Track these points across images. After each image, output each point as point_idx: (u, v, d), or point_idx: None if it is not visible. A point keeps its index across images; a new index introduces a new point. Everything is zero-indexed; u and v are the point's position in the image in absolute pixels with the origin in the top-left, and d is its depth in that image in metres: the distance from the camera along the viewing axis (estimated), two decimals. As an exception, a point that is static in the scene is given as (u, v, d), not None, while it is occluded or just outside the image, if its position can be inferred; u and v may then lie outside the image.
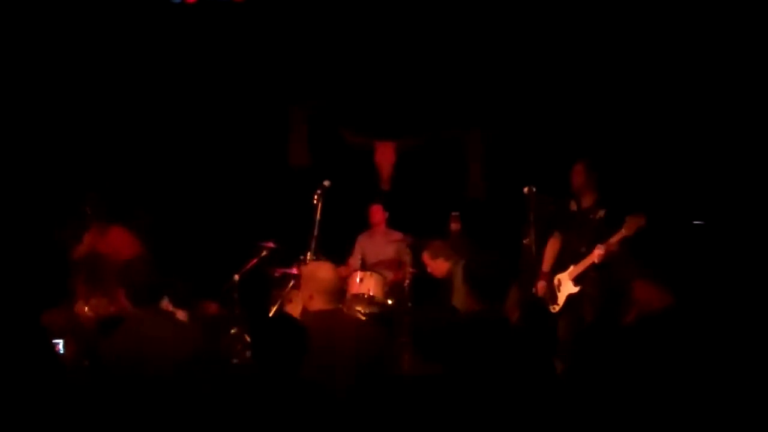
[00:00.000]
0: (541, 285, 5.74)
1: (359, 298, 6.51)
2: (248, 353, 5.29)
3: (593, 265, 5.38)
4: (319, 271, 3.90)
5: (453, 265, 6.13)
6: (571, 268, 5.54)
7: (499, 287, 3.52)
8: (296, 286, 6.36)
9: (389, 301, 6.61)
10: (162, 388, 3.40)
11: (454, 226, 7.21)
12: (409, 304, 6.55)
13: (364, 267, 6.96)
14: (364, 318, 6.25)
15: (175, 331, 3.73)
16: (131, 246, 5.45)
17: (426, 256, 6.34)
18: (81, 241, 5.44)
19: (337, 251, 6.99)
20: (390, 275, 6.90)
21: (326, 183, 6.17)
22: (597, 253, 5.31)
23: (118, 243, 5.42)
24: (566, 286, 5.56)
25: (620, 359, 3.02)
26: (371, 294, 6.51)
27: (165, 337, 3.60)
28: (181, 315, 5.67)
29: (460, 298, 5.65)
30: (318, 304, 3.80)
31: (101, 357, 3.68)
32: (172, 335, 3.65)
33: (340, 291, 3.97)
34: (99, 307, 5.08)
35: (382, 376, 3.66)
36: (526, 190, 5.76)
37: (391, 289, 6.79)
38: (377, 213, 7.18)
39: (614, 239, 5.26)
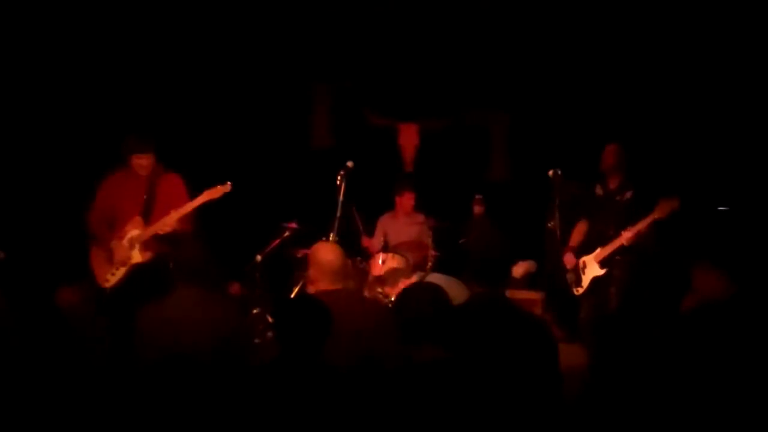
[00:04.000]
0: (568, 257, 5.68)
1: (381, 279, 6.49)
2: (270, 333, 5.30)
3: (621, 248, 5.33)
4: (319, 253, 3.92)
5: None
6: (598, 250, 5.49)
7: (499, 270, 3.50)
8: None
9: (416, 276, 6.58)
10: (195, 365, 3.41)
11: (478, 208, 7.18)
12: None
13: (386, 248, 6.94)
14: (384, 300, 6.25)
15: (218, 310, 3.74)
16: (185, 189, 5.40)
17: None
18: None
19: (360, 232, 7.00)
20: (412, 257, 6.87)
21: (350, 164, 6.14)
22: (626, 236, 5.27)
23: (177, 182, 5.36)
24: (592, 269, 5.52)
25: (675, 347, 2.99)
26: (393, 276, 6.48)
27: (206, 315, 3.63)
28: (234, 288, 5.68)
29: None
30: (322, 284, 3.82)
31: (136, 327, 3.68)
32: (214, 314, 3.67)
33: (343, 271, 3.93)
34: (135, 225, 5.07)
35: (386, 356, 3.60)
36: (551, 173, 5.71)
37: (413, 270, 6.76)
38: (409, 200, 7.13)
39: (645, 222, 5.20)
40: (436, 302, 2.98)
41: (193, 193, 5.31)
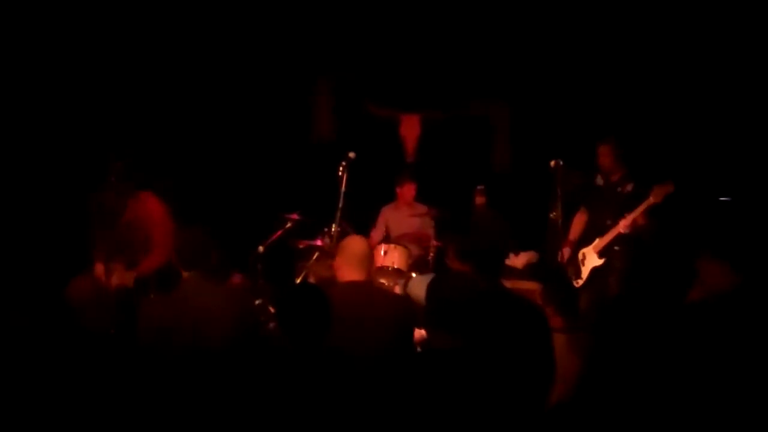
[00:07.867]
0: (565, 251, 5.71)
1: (384, 270, 6.51)
2: (272, 324, 5.32)
3: (619, 237, 5.35)
4: (351, 242, 4.08)
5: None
6: (597, 240, 5.51)
7: (497, 263, 3.53)
8: (320, 258, 6.38)
9: (413, 274, 6.59)
10: (206, 355, 3.43)
11: (479, 199, 7.16)
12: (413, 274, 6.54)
13: (389, 240, 6.95)
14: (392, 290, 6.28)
15: (225, 297, 3.79)
16: (162, 210, 5.46)
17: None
18: (125, 206, 5.34)
19: (362, 223, 6.99)
20: (414, 248, 6.89)
21: (351, 155, 6.14)
22: (623, 224, 5.29)
23: (151, 207, 5.43)
24: (591, 259, 5.54)
25: (677, 338, 2.99)
26: (396, 266, 6.50)
27: (213, 303, 3.67)
28: (236, 279, 5.70)
29: None
30: (346, 274, 3.93)
31: (140, 318, 3.72)
32: (222, 302, 3.71)
33: (368, 264, 4.07)
34: (117, 272, 5.08)
35: (407, 347, 3.75)
36: (552, 163, 5.71)
37: (416, 262, 6.78)
38: (410, 191, 7.14)
39: (641, 208, 5.23)
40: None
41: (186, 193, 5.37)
